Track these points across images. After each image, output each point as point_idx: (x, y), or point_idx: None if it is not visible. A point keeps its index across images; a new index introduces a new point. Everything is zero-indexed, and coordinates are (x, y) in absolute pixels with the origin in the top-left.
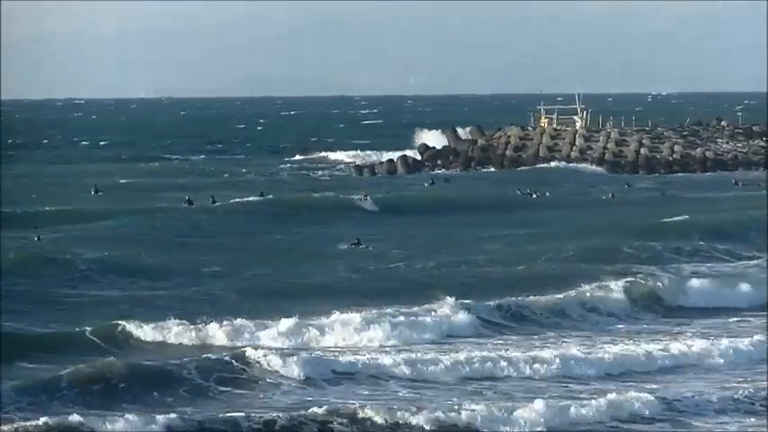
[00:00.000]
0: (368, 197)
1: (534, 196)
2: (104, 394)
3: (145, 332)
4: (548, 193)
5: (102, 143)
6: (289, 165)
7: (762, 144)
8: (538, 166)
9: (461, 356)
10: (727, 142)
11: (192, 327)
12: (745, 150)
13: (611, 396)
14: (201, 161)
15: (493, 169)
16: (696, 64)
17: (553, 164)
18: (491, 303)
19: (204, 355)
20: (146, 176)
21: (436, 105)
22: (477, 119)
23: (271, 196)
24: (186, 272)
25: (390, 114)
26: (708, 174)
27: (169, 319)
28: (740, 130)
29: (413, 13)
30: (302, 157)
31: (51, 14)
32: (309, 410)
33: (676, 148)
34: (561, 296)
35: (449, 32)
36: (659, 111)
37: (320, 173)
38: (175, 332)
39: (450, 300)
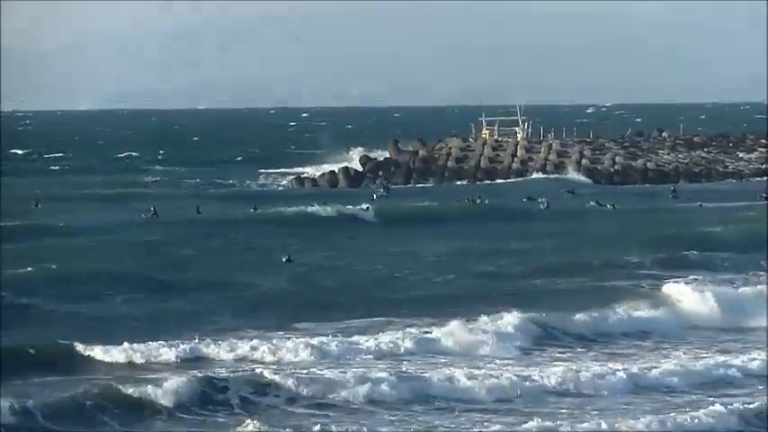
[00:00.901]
0: (369, 208)
1: (478, 201)
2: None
3: (97, 352)
4: (487, 201)
5: (43, 156)
6: (219, 179)
7: (702, 155)
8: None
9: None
10: (669, 153)
11: (182, 344)
12: (686, 161)
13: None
14: (144, 173)
15: (431, 184)
16: (637, 76)
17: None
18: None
19: (203, 374)
20: (86, 188)
21: (381, 115)
22: (417, 130)
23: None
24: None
25: (332, 125)
26: (648, 185)
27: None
28: (681, 141)
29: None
30: (240, 170)
31: None
32: None
33: (618, 159)
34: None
35: (392, 41)
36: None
37: (259, 185)
38: (158, 350)
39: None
